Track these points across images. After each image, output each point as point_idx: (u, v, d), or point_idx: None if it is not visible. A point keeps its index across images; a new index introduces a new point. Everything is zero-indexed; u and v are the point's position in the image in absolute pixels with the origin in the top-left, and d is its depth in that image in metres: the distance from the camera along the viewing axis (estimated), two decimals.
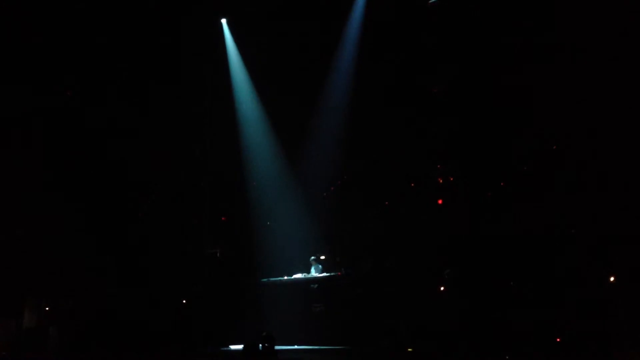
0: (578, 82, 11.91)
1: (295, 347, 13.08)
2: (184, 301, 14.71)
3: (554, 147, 12.76)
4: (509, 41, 12.65)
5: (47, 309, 13.84)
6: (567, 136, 12.26)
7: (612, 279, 11.58)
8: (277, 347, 10.45)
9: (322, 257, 14.64)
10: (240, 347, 10.98)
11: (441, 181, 13.95)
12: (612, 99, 11.63)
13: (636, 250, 11.20)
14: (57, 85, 14.39)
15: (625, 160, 11.69)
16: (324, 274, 14.11)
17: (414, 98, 13.81)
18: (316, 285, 13.97)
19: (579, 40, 11.88)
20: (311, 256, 14.52)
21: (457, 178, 13.61)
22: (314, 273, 14.29)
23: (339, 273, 14.00)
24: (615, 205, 11.54)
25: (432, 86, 13.70)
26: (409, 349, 11.76)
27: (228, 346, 13.49)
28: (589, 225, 11.72)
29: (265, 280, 14.64)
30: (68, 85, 14.54)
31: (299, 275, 14.33)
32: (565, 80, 12.07)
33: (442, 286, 13.01)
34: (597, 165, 11.88)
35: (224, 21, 15.65)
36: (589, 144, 11.99)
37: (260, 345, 10.29)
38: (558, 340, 11.26)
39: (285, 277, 14.43)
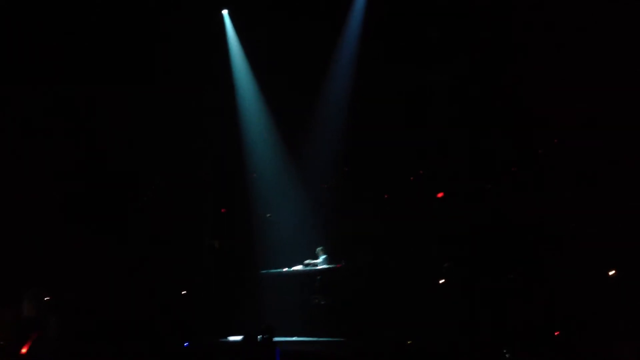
0: (579, 78, 11.93)
1: (294, 338, 13.11)
2: (183, 292, 14.74)
3: (554, 141, 12.78)
4: (512, 34, 12.67)
5: (46, 299, 13.82)
6: (567, 130, 12.28)
7: (611, 273, 11.62)
8: (276, 339, 10.46)
9: (319, 248, 14.64)
10: (239, 338, 10.99)
11: (440, 174, 13.95)
12: (613, 96, 11.64)
13: (635, 245, 11.24)
14: (57, 80, 14.34)
15: (625, 155, 11.72)
16: (324, 266, 14.13)
17: (416, 90, 13.81)
18: (319, 277, 14.02)
19: (581, 35, 11.89)
20: (318, 247, 14.50)
21: (456, 171, 13.60)
22: (320, 262, 14.29)
23: (339, 265, 14.03)
24: (615, 199, 11.58)
25: (434, 79, 13.68)
26: (409, 342, 11.78)
27: (227, 337, 13.52)
28: (588, 219, 11.75)
29: (264, 271, 14.65)
30: (67, 79, 14.48)
31: (298, 267, 14.36)
32: (567, 75, 12.08)
33: (441, 279, 13.05)
34: (596, 160, 11.91)
35: (225, 12, 15.63)
36: (588, 139, 12.01)
37: (260, 336, 10.29)
38: (557, 333, 11.29)
39: (285, 269, 14.45)
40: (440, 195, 13.99)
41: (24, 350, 8.27)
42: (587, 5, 11.96)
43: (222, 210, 16.04)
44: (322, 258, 14.33)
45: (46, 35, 13.98)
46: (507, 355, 10.23)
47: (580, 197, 11.89)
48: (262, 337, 10.27)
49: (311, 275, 14.13)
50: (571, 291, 11.36)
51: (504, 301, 11.96)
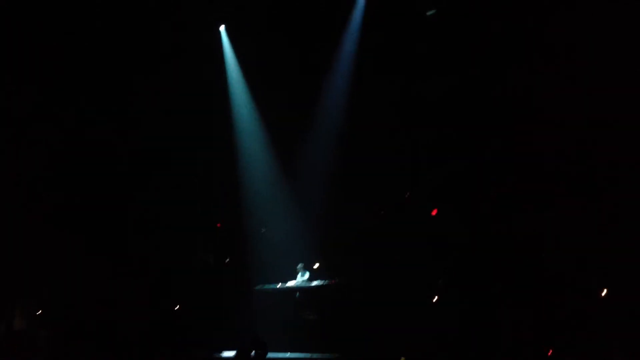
0: (574, 91, 11.97)
1: (288, 354, 13.05)
2: (177, 307, 14.68)
3: (549, 155, 12.80)
4: (505, 50, 12.75)
5: (37, 312, 13.75)
6: (561, 144, 12.30)
7: (604, 291, 11.63)
8: (269, 354, 10.40)
9: (315, 266, 14.60)
10: (232, 353, 10.94)
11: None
12: (610, 104, 11.66)
13: (627, 258, 11.27)
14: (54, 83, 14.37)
15: (621, 168, 11.74)
16: (316, 282, 14.09)
17: (410, 105, 13.85)
18: (297, 295, 13.96)
19: (576, 45, 11.93)
20: (299, 263, 14.50)
21: (451, 186, 13.60)
22: (299, 280, 14.29)
23: (333, 281, 13.98)
24: (609, 213, 11.62)
25: (428, 94, 13.72)
26: (402, 358, 11.76)
27: (220, 352, 13.45)
28: (581, 233, 11.77)
29: (258, 287, 14.60)
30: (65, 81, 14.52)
31: (292, 283, 14.31)
32: (560, 89, 12.13)
33: (435, 295, 13.04)
34: (591, 174, 11.95)
35: (222, 28, 15.69)
36: (582, 152, 12.05)
37: (253, 351, 10.24)
38: (549, 353, 11.28)
39: (279, 285, 14.40)
40: (434, 212, 13.98)
41: None
42: (585, 6, 11.99)
43: (218, 225, 16.01)
44: (305, 275, 14.32)
45: (47, 38, 14.04)
46: None
47: (576, 206, 11.89)
48: (256, 352, 10.21)
49: (305, 291, 14.08)
50: (566, 303, 11.38)
51: (498, 317, 11.96)
